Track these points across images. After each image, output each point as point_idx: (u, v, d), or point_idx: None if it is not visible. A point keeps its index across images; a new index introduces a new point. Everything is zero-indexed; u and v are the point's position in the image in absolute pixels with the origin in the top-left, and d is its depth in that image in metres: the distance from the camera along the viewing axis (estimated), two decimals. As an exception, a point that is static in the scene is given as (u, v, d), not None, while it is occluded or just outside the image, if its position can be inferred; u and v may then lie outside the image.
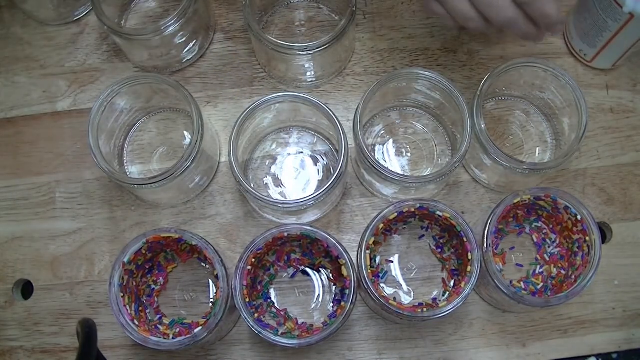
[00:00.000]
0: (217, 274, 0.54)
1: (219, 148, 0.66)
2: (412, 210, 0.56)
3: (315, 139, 0.65)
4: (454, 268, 0.61)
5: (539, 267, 0.61)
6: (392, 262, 0.62)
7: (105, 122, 0.60)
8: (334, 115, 0.57)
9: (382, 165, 0.56)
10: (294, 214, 0.62)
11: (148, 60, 0.67)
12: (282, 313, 0.60)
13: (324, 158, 0.65)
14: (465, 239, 0.55)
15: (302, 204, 0.56)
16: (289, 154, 0.65)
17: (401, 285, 0.61)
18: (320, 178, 0.64)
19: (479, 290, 0.62)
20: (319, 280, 0.62)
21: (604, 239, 0.64)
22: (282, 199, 0.63)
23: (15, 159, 0.67)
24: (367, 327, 0.62)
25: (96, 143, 0.58)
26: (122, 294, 0.54)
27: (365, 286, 0.53)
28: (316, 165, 0.65)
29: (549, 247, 0.61)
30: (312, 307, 0.61)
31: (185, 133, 0.66)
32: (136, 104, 0.64)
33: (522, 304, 0.54)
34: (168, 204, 0.64)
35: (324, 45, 0.60)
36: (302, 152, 0.65)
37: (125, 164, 0.65)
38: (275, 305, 0.61)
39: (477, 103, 0.58)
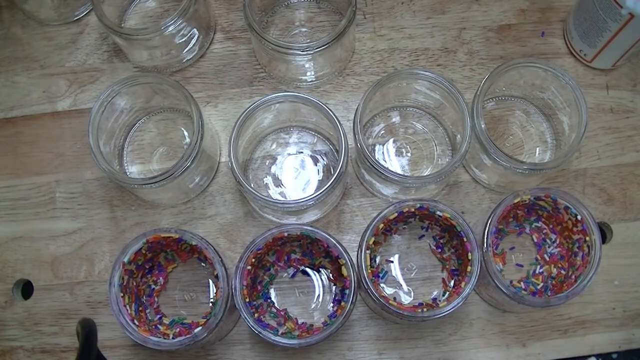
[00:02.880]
0: (217, 274, 0.54)
1: (219, 148, 0.66)
2: (412, 210, 0.56)
3: (315, 139, 0.65)
4: (454, 268, 0.61)
5: (539, 267, 0.61)
6: (392, 262, 0.62)
7: (105, 122, 0.60)
8: (334, 115, 0.57)
9: (382, 165, 0.56)
10: (294, 214, 0.62)
11: (148, 60, 0.67)
12: (282, 313, 0.60)
13: (324, 158, 0.65)
14: (465, 239, 0.55)
15: (302, 204, 0.56)
16: (289, 154, 0.65)
17: (401, 285, 0.61)
18: (320, 178, 0.64)
19: (479, 290, 0.62)
20: (319, 280, 0.62)
21: (604, 239, 0.64)
22: (282, 199, 0.63)
23: (15, 159, 0.67)
24: (367, 327, 0.62)
25: (96, 143, 0.58)
26: (122, 294, 0.54)
27: (365, 286, 0.53)
28: (316, 165, 0.65)
29: (549, 247, 0.61)
30: (312, 307, 0.61)
31: (185, 133, 0.66)
32: (136, 104, 0.64)
33: (522, 304, 0.54)
34: (168, 204, 0.64)
35: (324, 45, 0.60)
36: (302, 152, 0.65)
37: (125, 164, 0.65)
38: (275, 305, 0.61)
39: (477, 103, 0.58)
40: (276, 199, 0.60)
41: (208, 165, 0.64)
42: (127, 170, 0.65)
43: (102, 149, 0.58)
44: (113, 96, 0.59)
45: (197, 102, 0.59)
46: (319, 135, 0.65)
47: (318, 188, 0.63)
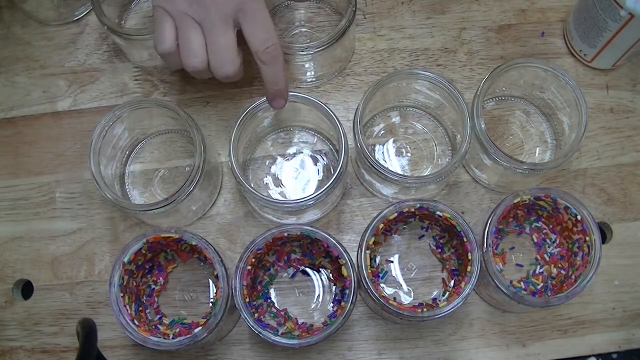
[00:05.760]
0: (217, 274, 0.54)
1: (221, 168, 0.65)
2: (412, 210, 0.56)
3: (315, 139, 0.65)
4: (454, 268, 0.61)
5: (539, 267, 0.61)
6: (392, 262, 0.62)
7: (106, 147, 0.59)
8: (334, 114, 0.57)
9: (382, 165, 0.56)
10: (294, 214, 0.62)
11: (148, 60, 0.67)
12: (282, 313, 0.60)
13: (324, 158, 0.65)
14: (465, 239, 0.55)
15: (302, 203, 0.56)
16: (289, 154, 0.65)
17: (401, 285, 0.61)
18: (320, 178, 0.64)
19: (479, 290, 0.62)
20: (319, 280, 0.62)
21: (604, 239, 0.64)
22: (282, 198, 0.63)
23: (15, 159, 0.67)
24: (367, 327, 0.62)
25: (98, 169, 0.57)
26: (122, 294, 0.54)
27: (365, 286, 0.53)
28: (316, 165, 0.65)
29: (549, 247, 0.61)
30: (312, 307, 0.61)
31: (186, 154, 0.65)
32: (136, 127, 0.63)
33: (522, 304, 0.54)
34: (172, 226, 0.63)
35: (324, 45, 0.60)
36: (302, 152, 0.65)
37: (127, 187, 0.65)
38: (275, 305, 0.61)
39: (477, 103, 0.58)
40: (276, 199, 0.60)
41: (210, 186, 0.63)
42: (129, 194, 0.65)
43: (104, 173, 0.58)
44: (114, 121, 0.59)
45: (198, 125, 0.58)
46: (318, 135, 0.65)
47: (318, 188, 0.63)
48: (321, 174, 0.64)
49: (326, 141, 0.65)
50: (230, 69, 0.54)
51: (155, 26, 0.55)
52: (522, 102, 0.67)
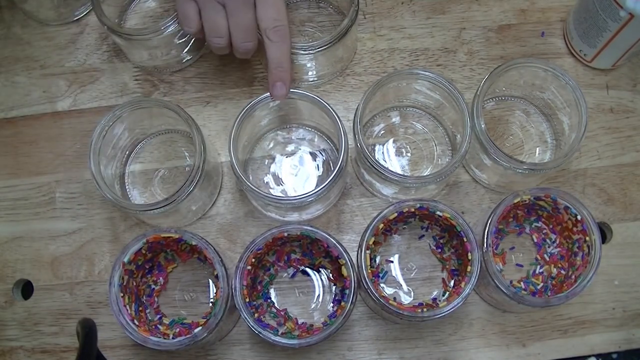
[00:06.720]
0: (217, 274, 0.54)
1: (221, 168, 0.66)
2: (412, 210, 0.56)
3: (315, 137, 0.65)
4: (454, 268, 0.61)
5: (539, 267, 0.61)
6: (392, 262, 0.62)
7: (106, 147, 0.59)
8: (333, 110, 0.57)
9: (382, 165, 0.56)
10: (297, 210, 0.62)
11: (148, 60, 0.67)
12: (282, 313, 0.60)
13: (323, 154, 0.65)
14: (465, 239, 0.55)
15: (303, 199, 0.56)
16: (288, 152, 0.65)
17: (401, 285, 0.61)
18: (319, 174, 0.64)
19: (479, 290, 0.62)
20: (319, 280, 0.62)
21: (604, 239, 0.64)
22: (284, 195, 0.63)
23: (15, 159, 0.67)
24: (367, 327, 0.62)
25: (98, 169, 0.57)
26: (122, 294, 0.54)
27: (365, 286, 0.53)
28: (315, 161, 0.65)
29: (549, 247, 0.61)
30: (312, 307, 0.61)
31: (186, 154, 0.65)
32: (136, 127, 0.63)
33: (522, 304, 0.54)
34: (172, 226, 0.63)
35: (326, 45, 0.60)
36: (300, 149, 0.65)
37: (127, 187, 0.65)
38: (275, 305, 0.61)
39: (477, 103, 0.58)
40: (277, 196, 0.59)
41: (210, 186, 0.63)
42: (129, 194, 0.65)
43: (104, 173, 0.58)
44: (114, 121, 0.59)
45: (198, 125, 0.58)
46: (318, 133, 0.65)
47: (318, 183, 0.63)
48: (321, 169, 0.64)
49: (326, 139, 0.65)
50: (251, 45, 0.58)
51: (179, 9, 0.58)
52: (522, 102, 0.67)
